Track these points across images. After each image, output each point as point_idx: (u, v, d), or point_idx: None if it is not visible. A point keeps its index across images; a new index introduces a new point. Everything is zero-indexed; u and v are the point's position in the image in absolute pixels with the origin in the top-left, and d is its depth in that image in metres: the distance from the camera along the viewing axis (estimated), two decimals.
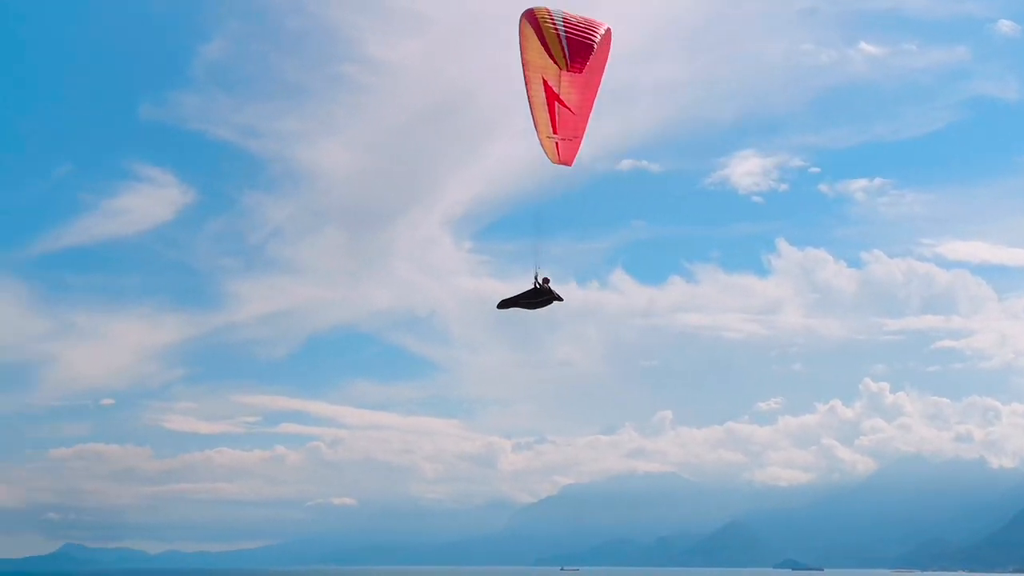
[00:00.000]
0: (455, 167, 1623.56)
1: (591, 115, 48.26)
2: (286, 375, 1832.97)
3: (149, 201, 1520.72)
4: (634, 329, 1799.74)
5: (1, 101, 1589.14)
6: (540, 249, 50.39)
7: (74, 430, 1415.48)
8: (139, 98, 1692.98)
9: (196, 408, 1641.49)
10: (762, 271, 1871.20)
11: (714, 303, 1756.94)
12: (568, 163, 50.29)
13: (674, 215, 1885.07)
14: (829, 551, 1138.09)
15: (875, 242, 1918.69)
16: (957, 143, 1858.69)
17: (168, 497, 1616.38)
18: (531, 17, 45.40)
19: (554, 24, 44.86)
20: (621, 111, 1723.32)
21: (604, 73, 47.31)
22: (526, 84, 47.17)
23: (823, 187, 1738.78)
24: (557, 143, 49.29)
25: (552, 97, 47.31)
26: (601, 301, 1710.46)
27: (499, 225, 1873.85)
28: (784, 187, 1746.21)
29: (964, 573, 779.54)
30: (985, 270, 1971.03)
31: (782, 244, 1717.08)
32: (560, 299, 51.25)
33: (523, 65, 46.58)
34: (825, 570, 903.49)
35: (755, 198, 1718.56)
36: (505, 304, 51.64)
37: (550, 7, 45.65)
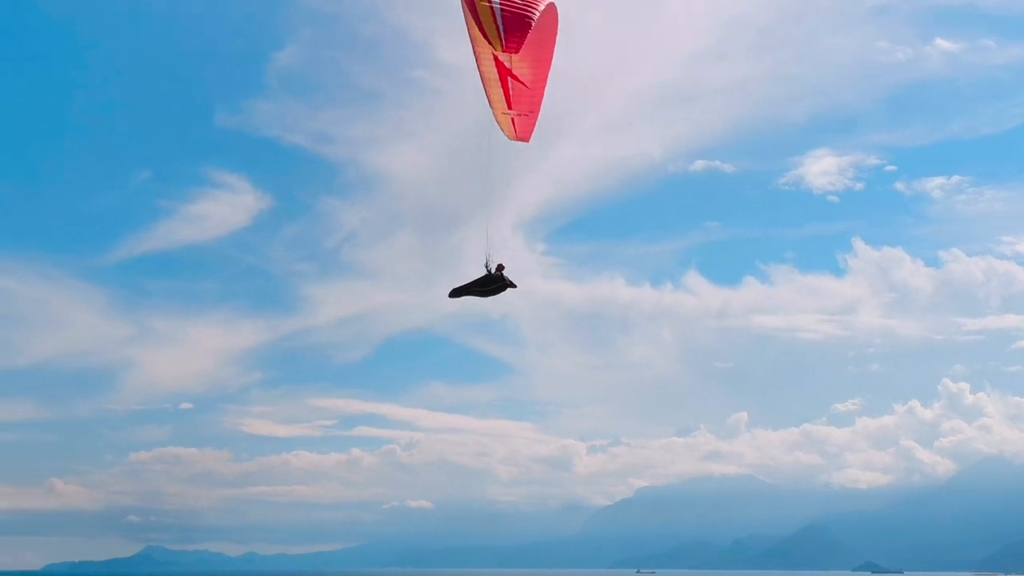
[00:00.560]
0: (526, 169, 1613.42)
1: (546, 88, 46.64)
2: (361, 378, 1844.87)
3: (226, 207, 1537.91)
4: (708, 330, 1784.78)
5: (81, 109, 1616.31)
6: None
7: (154, 434, 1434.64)
8: (215, 105, 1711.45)
9: (273, 412, 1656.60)
10: (838, 271, 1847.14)
11: (789, 304, 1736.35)
12: (525, 139, 48.79)
13: (748, 215, 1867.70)
14: (909, 554, 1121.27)
15: (953, 240, 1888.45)
16: None
17: (246, 500, 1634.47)
18: None
19: None
20: (693, 112, 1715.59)
21: (556, 45, 45.61)
22: (476, 60, 45.79)
23: (899, 185, 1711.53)
24: (513, 119, 47.86)
25: (504, 72, 45.86)
26: (675, 302, 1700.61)
27: (572, 227, 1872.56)
28: (860, 186, 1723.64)
29: None
30: None
31: (858, 244, 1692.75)
32: (514, 286, 49.14)
33: (471, 41, 45.13)
34: (905, 573, 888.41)
35: (830, 197, 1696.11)
36: (456, 293, 49.60)
37: None
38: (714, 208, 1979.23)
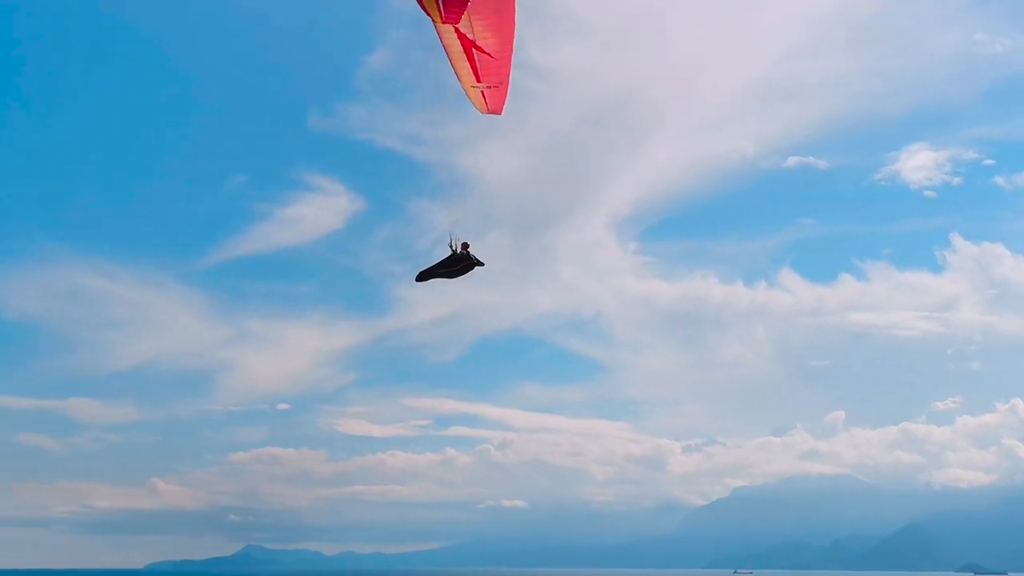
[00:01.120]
0: (618, 169, 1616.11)
1: (513, 56, 45.59)
2: (455, 378, 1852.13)
3: (320, 210, 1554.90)
4: (804, 328, 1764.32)
5: (178, 117, 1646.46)
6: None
7: (252, 434, 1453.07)
8: (308, 110, 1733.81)
9: (369, 412, 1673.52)
10: (936, 267, 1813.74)
11: (886, 301, 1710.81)
12: (497, 111, 47.81)
13: (843, 212, 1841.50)
14: (1013, 555, 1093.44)
15: None
16: None
17: (343, 499, 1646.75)
18: None
19: None
20: (787, 108, 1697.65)
21: (515, 11, 44.43)
22: (438, 35, 44.94)
23: (999, 180, 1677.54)
24: (483, 92, 46.89)
25: (468, 44, 44.91)
26: (769, 301, 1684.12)
27: (664, 225, 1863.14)
28: (958, 180, 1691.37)
29: None
30: None
31: (957, 239, 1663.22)
32: (481, 264, 47.81)
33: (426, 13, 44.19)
34: (1009, 574, 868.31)
35: (927, 192, 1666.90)
36: (423, 276, 48.30)
37: None
38: (808, 205, 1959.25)
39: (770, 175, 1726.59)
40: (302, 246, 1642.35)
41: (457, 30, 44.36)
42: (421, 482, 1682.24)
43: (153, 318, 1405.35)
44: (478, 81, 46.21)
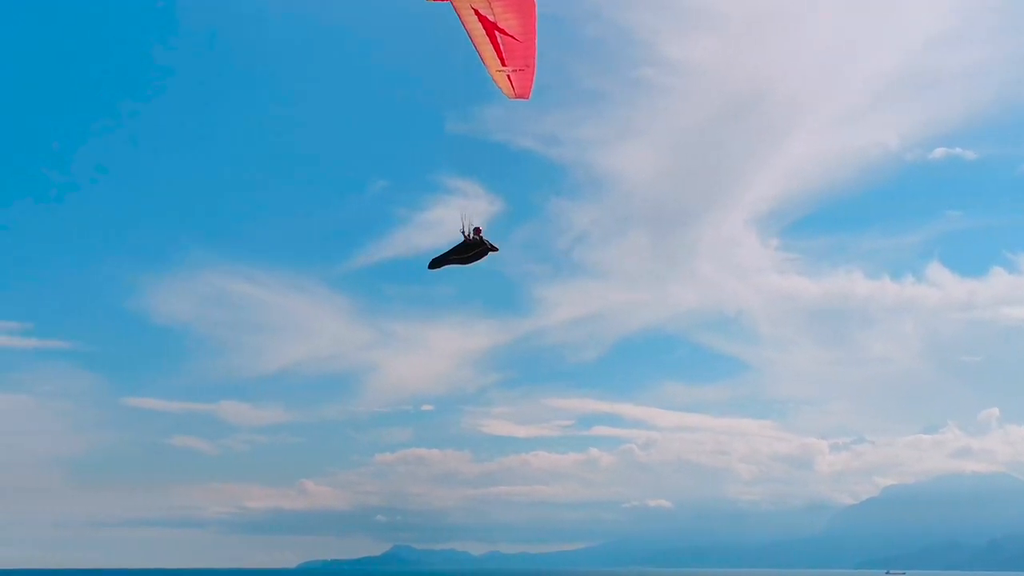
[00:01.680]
0: (757, 163, 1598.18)
1: (537, 38, 44.41)
2: (596, 378, 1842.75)
3: (458, 212, 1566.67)
4: (954, 324, 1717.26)
5: (321, 124, 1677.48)
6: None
7: (397, 435, 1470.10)
8: (445, 113, 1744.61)
9: (511, 412, 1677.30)
10: None
11: None
12: (524, 96, 46.72)
13: (992, 203, 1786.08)
14: None
15: None
16: None
17: (489, 499, 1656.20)
18: None
19: None
20: (931, 99, 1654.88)
21: None
22: (460, 19, 44.05)
23: None
24: (509, 76, 45.85)
25: (490, 27, 43.97)
26: (917, 295, 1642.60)
27: (807, 221, 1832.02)
28: None
29: None
30: None
31: None
32: (495, 249, 46.65)
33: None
34: None
35: None
36: (436, 263, 47.42)
37: None
38: (955, 197, 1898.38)
39: (915, 167, 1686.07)
40: (442, 248, 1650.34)
41: (478, 12, 43.58)
42: (565, 482, 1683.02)
43: (299, 322, 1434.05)
44: (503, 65, 45.31)
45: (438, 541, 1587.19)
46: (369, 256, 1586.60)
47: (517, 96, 46.85)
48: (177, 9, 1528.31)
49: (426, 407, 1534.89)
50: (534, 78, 45.93)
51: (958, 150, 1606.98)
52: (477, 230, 46.19)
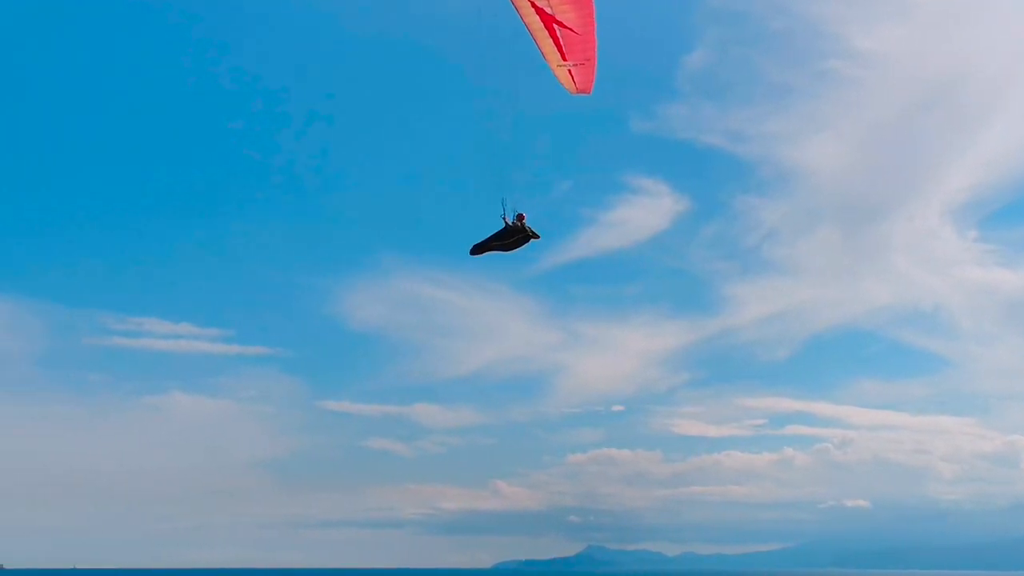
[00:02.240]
0: (952, 154, 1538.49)
1: (596, 30, 43.13)
2: (788, 376, 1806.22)
3: (644, 212, 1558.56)
4: None
5: (512, 129, 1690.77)
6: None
7: (588, 436, 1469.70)
8: (630, 113, 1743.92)
9: (702, 412, 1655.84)
10: None
11: None
12: (586, 91, 45.50)
13: None
14: None
15: None
16: None
17: (681, 499, 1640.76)
18: None
19: None
20: None
21: None
22: (517, 11, 43.07)
23: None
24: (570, 71, 44.67)
25: (548, 20, 42.88)
26: None
27: (1007, 211, 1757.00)
28: None
29: None
30: None
31: None
32: (537, 236, 45.35)
33: None
34: None
35: None
36: (477, 249, 46.19)
37: None
38: None
39: None
40: (628, 248, 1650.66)
41: (534, 4, 42.57)
42: (759, 482, 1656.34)
43: (487, 324, 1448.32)
44: (564, 60, 44.17)
45: (631, 541, 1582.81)
46: (555, 258, 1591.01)
47: (579, 91, 45.66)
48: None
49: (616, 407, 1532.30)
50: (595, 72, 44.63)
51: None
52: (520, 216, 45.06)
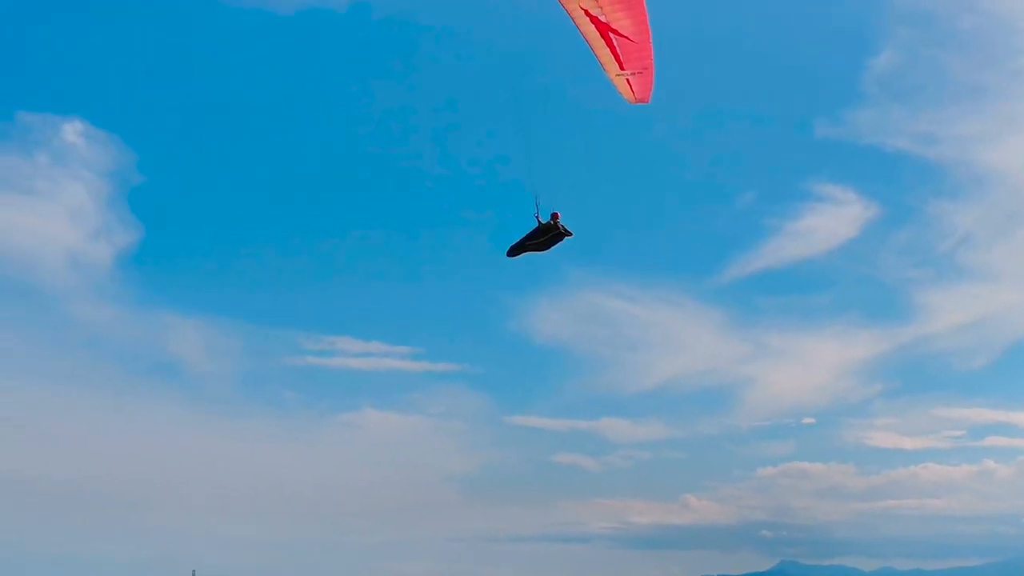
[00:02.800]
0: None
1: (651, 37, 42.09)
2: (987, 386, 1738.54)
3: (832, 220, 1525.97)
4: None
5: (688, 139, 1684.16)
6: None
7: (778, 449, 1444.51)
8: (814, 120, 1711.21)
9: (897, 423, 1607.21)
10: None
11: None
12: (645, 100, 44.46)
13: None
14: None
15: None
16: None
17: (876, 513, 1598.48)
18: None
19: None
20: None
21: None
22: (573, 21, 42.38)
23: None
24: (628, 80, 43.67)
25: (604, 28, 42.07)
26: None
27: None
28: None
29: None
30: None
31: None
32: (570, 234, 44.56)
33: (561, 4, 41.89)
34: None
35: None
36: (514, 251, 45.50)
37: None
38: None
39: None
40: (815, 257, 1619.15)
41: (588, 12, 41.92)
42: (959, 495, 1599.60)
43: (673, 337, 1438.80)
44: (622, 69, 43.31)
45: (826, 556, 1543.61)
46: (740, 268, 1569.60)
47: (637, 100, 44.66)
48: None
49: (807, 420, 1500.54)
50: (653, 81, 43.62)
51: None
52: (555, 215, 44.55)
